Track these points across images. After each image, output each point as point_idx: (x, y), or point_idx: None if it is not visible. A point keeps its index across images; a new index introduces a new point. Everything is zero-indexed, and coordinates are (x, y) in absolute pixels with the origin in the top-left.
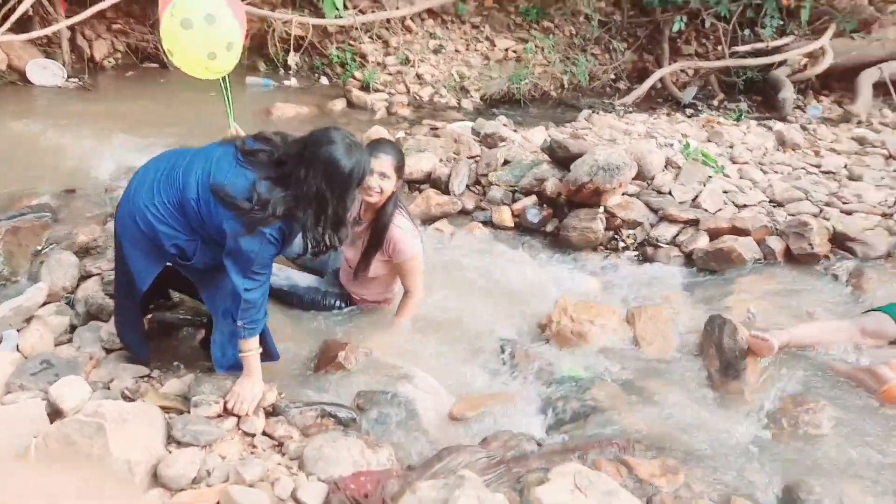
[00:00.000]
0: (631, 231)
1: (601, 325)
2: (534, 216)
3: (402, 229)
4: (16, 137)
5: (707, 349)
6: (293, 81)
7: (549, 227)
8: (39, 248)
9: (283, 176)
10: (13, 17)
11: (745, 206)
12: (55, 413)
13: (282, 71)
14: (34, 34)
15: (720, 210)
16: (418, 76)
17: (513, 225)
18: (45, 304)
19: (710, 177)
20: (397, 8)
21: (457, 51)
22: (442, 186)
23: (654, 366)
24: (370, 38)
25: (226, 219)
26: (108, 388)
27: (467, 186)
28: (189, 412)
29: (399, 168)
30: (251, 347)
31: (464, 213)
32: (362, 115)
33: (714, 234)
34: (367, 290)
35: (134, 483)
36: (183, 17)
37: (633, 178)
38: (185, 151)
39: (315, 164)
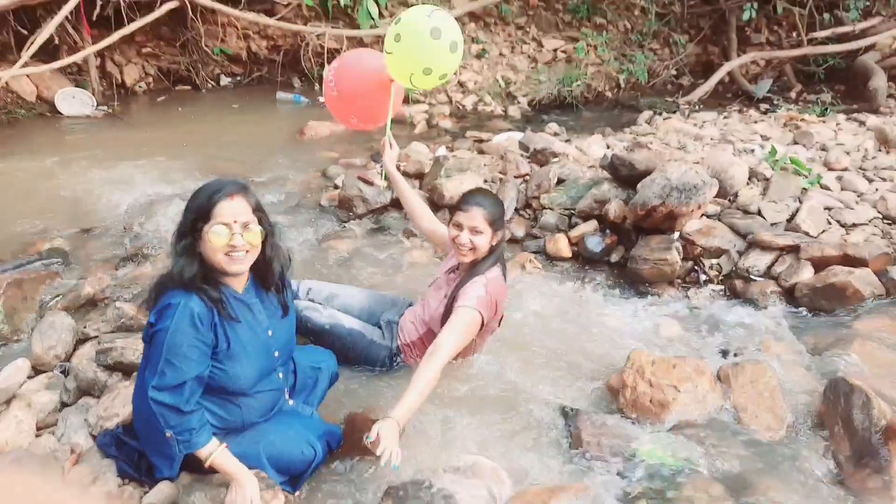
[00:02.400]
0: (714, 261)
1: (688, 391)
2: (595, 245)
3: (481, 283)
4: (37, 174)
5: (831, 425)
6: None
7: (614, 258)
8: (46, 300)
9: None
10: (35, 46)
11: (853, 225)
12: None
13: (317, 86)
14: (61, 62)
15: (824, 232)
16: (460, 84)
17: (570, 255)
18: (37, 374)
19: (804, 189)
20: None
21: (501, 55)
22: None
23: (761, 449)
24: None
25: None
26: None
27: (516, 211)
28: None
29: (494, 220)
30: (209, 451)
31: (513, 241)
32: (401, 130)
33: (820, 264)
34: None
35: None
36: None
37: (713, 196)
38: None
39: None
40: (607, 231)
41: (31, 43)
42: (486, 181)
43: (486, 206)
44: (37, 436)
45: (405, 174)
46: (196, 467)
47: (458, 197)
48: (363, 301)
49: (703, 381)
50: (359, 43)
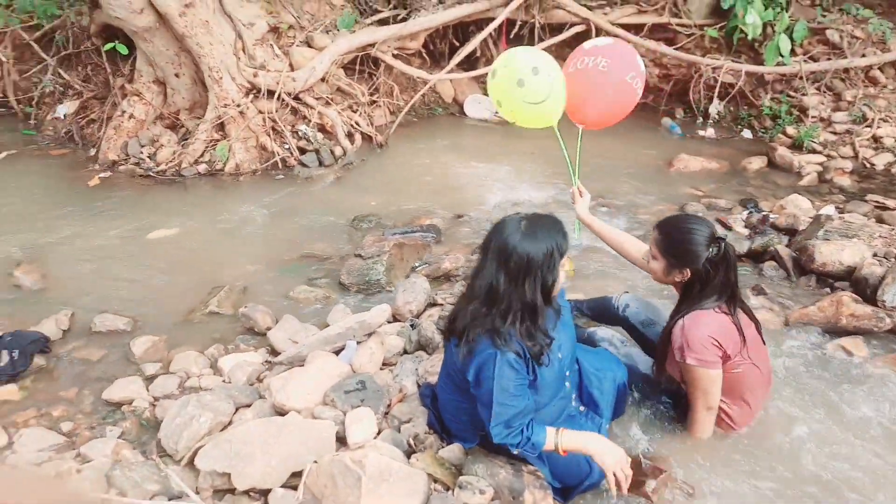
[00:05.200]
0: None
1: None
2: None
3: (697, 322)
4: (435, 160)
5: None
6: (710, 132)
7: None
8: (416, 265)
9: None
10: (461, 56)
11: None
12: (342, 441)
13: (700, 120)
14: (477, 72)
15: None
16: (875, 138)
17: None
18: (393, 321)
19: None
20: (863, 55)
21: None
22: (866, 291)
23: None
24: (818, 89)
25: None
26: (399, 430)
27: None
28: (454, 491)
29: (664, 252)
30: (553, 444)
31: (893, 333)
32: (783, 178)
33: None
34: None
35: None
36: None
37: None
38: None
39: (488, 257)
40: None
41: (459, 53)
42: (875, 255)
43: (659, 234)
44: (381, 368)
45: (774, 226)
46: (484, 446)
47: None
48: None
49: None
50: (758, 80)
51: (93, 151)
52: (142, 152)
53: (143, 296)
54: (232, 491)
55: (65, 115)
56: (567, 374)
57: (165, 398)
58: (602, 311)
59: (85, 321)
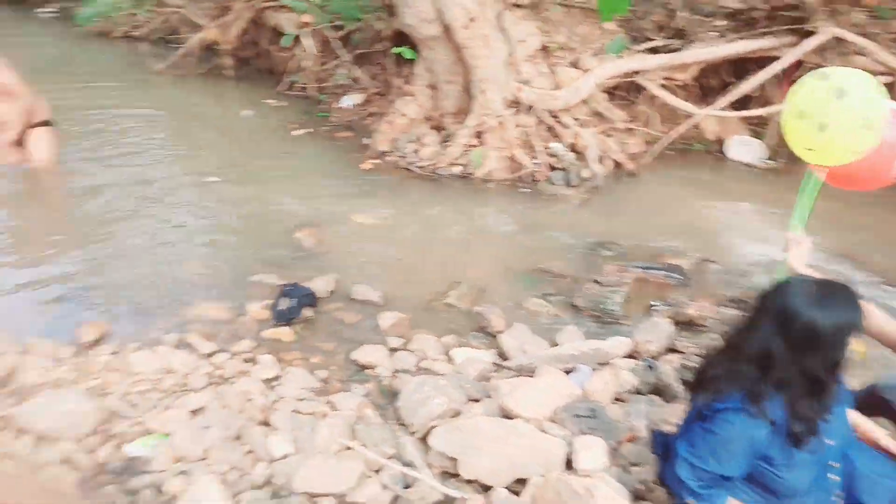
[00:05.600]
0: None
1: None
2: None
3: None
4: (688, 200)
5: None
6: None
7: None
8: (655, 303)
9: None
10: (735, 94)
11: None
12: (567, 461)
13: None
14: (750, 112)
15: None
16: None
17: None
18: (628, 356)
19: None
20: None
21: None
22: None
23: None
24: None
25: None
26: (629, 472)
27: None
28: None
29: None
30: None
31: None
32: None
33: None
34: None
35: None
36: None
37: None
38: None
39: (764, 317)
40: None
41: (733, 90)
42: None
43: None
44: (612, 402)
45: None
46: None
47: None
48: None
49: None
50: None
51: (367, 140)
52: (407, 147)
53: (393, 275)
54: (455, 476)
55: (353, 105)
56: (833, 465)
57: (403, 372)
58: (873, 403)
59: (346, 287)
